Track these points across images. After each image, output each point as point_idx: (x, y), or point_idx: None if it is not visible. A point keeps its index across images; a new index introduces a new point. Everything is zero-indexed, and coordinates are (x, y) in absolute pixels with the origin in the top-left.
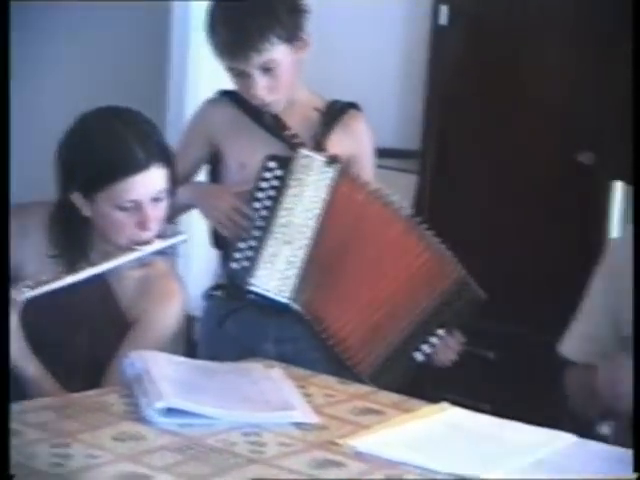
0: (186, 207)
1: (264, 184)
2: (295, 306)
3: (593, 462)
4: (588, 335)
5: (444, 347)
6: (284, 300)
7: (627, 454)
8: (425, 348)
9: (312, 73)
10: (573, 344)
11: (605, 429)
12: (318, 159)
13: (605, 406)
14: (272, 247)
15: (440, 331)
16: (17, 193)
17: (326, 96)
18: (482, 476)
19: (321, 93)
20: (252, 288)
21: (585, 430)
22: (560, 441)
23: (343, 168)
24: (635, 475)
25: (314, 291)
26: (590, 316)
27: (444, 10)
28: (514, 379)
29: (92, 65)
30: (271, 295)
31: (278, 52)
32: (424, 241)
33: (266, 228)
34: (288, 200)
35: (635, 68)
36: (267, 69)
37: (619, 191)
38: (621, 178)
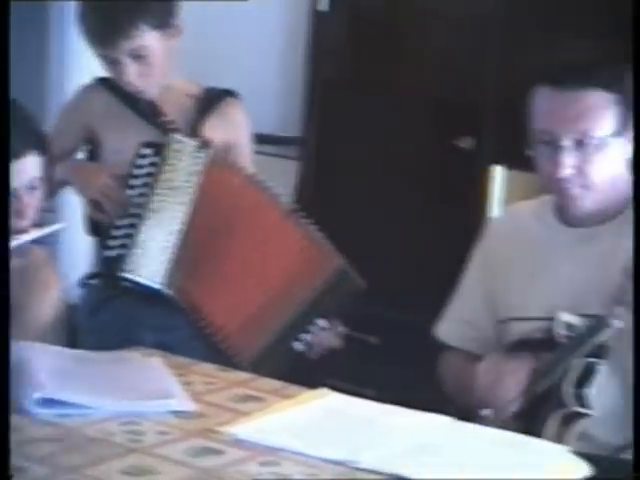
0: (62, 183)
1: (138, 171)
2: (169, 293)
3: (471, 444)
4: (463, 318)
5: (324, 336)
6: (157, 286)
7: (505, 436)
8: (305, 338)
9: (190, 59)
10: (448, 327)
11: (485, 413)
12: (190, 144)
13: (481, 396)
14: (144, 233)
15: (320, 321)
16: None
17: (204, 83)
18: (354, 459)
19: (199, 79)
20: (125, 275)
21: (464, 413)
22: (438, 424)
23: (216, 153)
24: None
25: (188, 278)
26: (466, 299)
27: None
28: (397, 363)
29: None
30: (144, 282)
31: (148, 39)
32: (301, 230)
33: (139, 214)
34: (161, 185)
35: (635, 68)
36: (137, 56)
37: (498, 175)
38: (500, 162)
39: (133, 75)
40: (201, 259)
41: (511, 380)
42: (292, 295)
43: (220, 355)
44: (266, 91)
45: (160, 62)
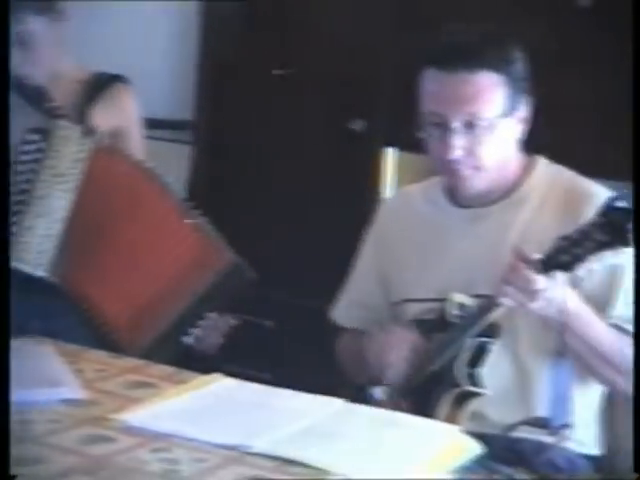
0: None
1: (24, 157)
2: (54, 280)
3: (362, 425)
4: (357, 301)
5: (214, 330)
6: (41, 274)
7: (397, 417)
8: (195, 332)
9: (80, 44)
10: (343, 310)
11: (378, 393)
12: (75, 130)
13: (373, 373)
14: (29, 220)
15: (211, 315)
16: None
17: (94, 67)
18: (247, 444)
19: (89, 64)
20: (13, 264)
21: (358, 395)
22: (330, 407)
23: (102, 140)
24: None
25: (75, 266)
26: (360, 281)
27: None
28: (293, 347)
29: None
30: (27, 269)
31: (32, 24)
32: (192, 221)
33: (24, 201)
34: (46, 172)
35: (635, 69)
36: (21, 41)
37: (390, 157)
38: (392, 144)
39: (18, 61)
40: (87, 248)
41: (400, 347)
42: (182, 288)
43: (109, 345)
44: (157, 75)
45: (46, 48)
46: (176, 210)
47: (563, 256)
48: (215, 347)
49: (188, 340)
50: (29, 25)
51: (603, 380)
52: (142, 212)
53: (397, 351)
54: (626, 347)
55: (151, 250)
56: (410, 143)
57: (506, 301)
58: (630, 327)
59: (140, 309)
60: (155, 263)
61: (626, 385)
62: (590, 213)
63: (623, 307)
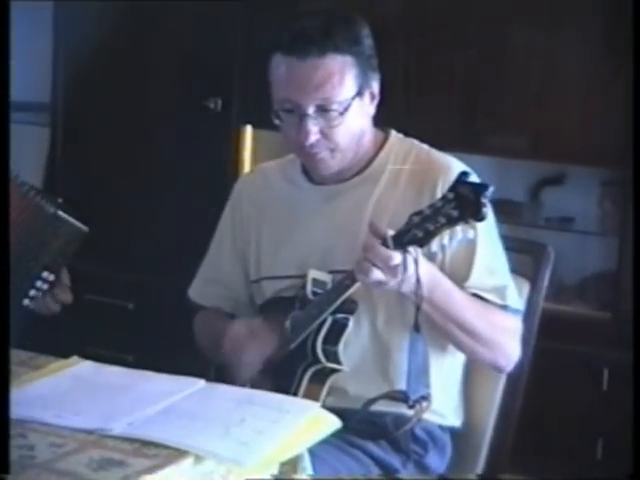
0: None
1: None
2: None
3: (223, 403)
4: (214, 278)
5: (54, 290)
6: None
7: (258, 395)
8: (33, 293)
9: None
10: (199, 288)
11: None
12: None
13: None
14: None
15: (45, 274)
16: None
17: None
18: (106, 427)
19: None
20: None
21: (219, 374)
22: (191, 387)
23: None
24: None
25: None
26: (216, 259)
27: None
28: (155, 328)
29: None
30: None
31: None
32: (18, 191)
33: None
34: None
35: (635, 71)
36: None
37: (249, 134)
38: (250, 122)
39: None
40: None
41: (255, 348)
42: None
43: None
44: (19, 57)
45: None
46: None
47: (416, 231)
48: (55, 309)
49: (29, 303)
50: None
51: (464, 349)
52: None
53: (249, 349)
54: (486, 315)
55: None
56: (267, 120)
57: (362, 278)
58: (489, 295)
59: None
60: None
61: (486, 354)
62: (444, 184)
63: (479, 275)
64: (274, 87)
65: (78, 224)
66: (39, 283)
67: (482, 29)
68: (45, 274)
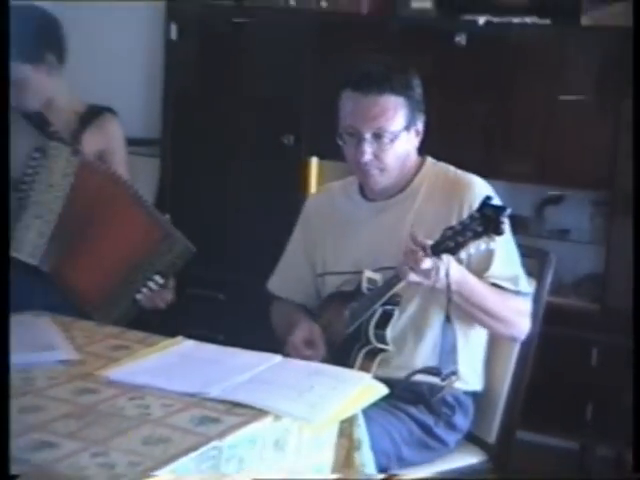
0: None
1: (29, 170)
2: (43, 268)
3: (294, 374)
4: (288, 275)
5: (159, 290)
6: (34, 263)
7: (323, 367)
8: (144, 291)
9: (80, 78)
10: (277, 282)
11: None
12: (66, 150)
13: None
14: (25, 221)
15: (156, 277)
16: None
17: (89, 98)
18: (205, 391)
19: (86, 95)
20: (12, 254)
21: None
22: (270, 361)
23: (86, 158)
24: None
25: (61, 256)
26: (290, 259)
27: (173, 27)
28: (241, 314)
29: None
30: (23, 259)
31: (20, 69)
32: (144, 210)
33: (24, 204)
34: (42, 182)
35: (635, 68)
36: (15, 83)
37: (314, 164)
38: (315, 154)
39: (13, 98)
40: (71, 241)
41: (310, 352)
42: (131, 258)
43: (82, 312)
44: (133, 102)
45: (34, 86)
46: (134, 204)
47: (449, 242)
48: (162, 305)
49: (140, 297)
50: (15, 71)
51: (486, 326)
52: (109, 212)
53: (304, 355)
54: (502, 300)
55: (115, 238)
56: (328, 153)
57: (406, 278)
58: (505, 283)
59: (105, 279)
60: (116, 247)
61: (503, 329)
62: (469, 198)
63: (497, 268)
64: (341, 115)
65: (189, 244)
66: (151, 284)
67: (496, 81)
68: (157, 277)
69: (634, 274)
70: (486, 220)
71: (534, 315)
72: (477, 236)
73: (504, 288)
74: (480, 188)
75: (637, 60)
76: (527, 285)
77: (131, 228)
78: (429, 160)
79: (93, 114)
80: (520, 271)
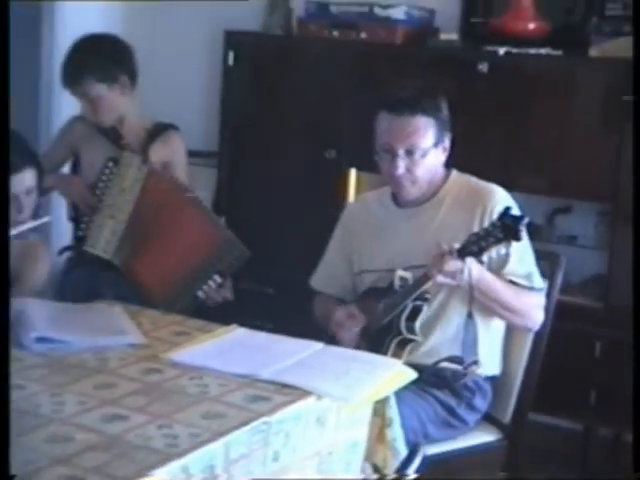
0: (50, 189)
1: (104, 177)
2: (115, 262)
3: (335, 360)
4: (329, 272)
5: (218, 290)
6: (108, 257)
7: (359, 354)
8: (205, 289)
9: (148, 98)
10: (318, 279)
11: None
12: (136, 159)
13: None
14: (99, 220)
15: (215, 276)
16: None
17: (156, 115)
18: (256, 373)
19: (152, 110)
20: (88, 249)
21: (332, 341)
22: (313, 348)
23: (152, 167)
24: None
25: (130, 252)
26: (330, 258)
27: (231, 54)
28: (288, 306)
29: None
30: (99, 254)
31: (95, 88)
32: (206, 216)
33: (100, 206)
34: (115, 187)
35: (635, 70)
36: (89, 99)
37: (353, 176)
38: (354, 167)
39: (87, 112)
40: (141, 239)
41: (351, 325)
42: (195, 260)
43: (148, 303)
44: (195, 119)
45: (107, 104)
46: (196, 210)
47: (473, 247)
48: (220, 301)
49: (201, 294)
50: (91, 89)
51: (503, 319)
52: (174, 214)
53: (348, 327)
54: (517, 295)
55: (178, 238)
56: (365, 165)
57: (433, 277)
58: (520, 280)
59: (169, 276)
60: (180, 246)
61: (519, 321)
62: (491, 205)
63: (513, 265)
64: (378, 133)
65: (244, 249)
66: (211, 282)
67: (514, 104)
68: (216, 277)
69: (633, 276)
70: (506, 228)
71: (547, 309)
72: (498, 242)
73: (519, 284)
74: (500, 196)
75: (637, 88)
76: (540, 281)
77: (194, 232)
78: (454, 172)
79: (159, 129)
80: (534, 269)
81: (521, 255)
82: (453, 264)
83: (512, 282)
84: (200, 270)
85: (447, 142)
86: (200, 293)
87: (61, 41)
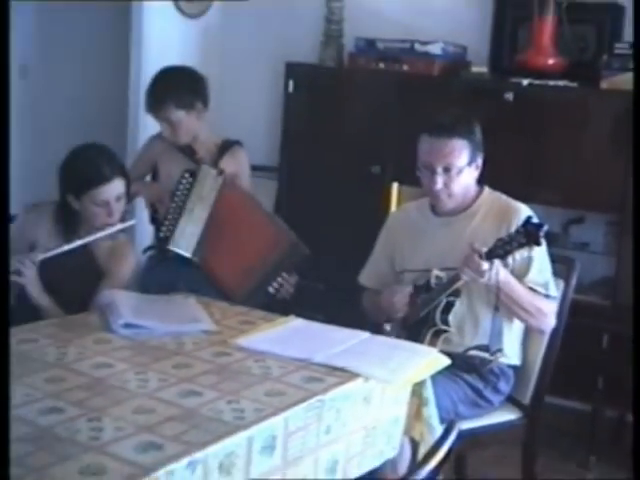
0: (135, 195)
1: (181, 187)
2: (195, 259)
3: (379, 347)
4: (374, 269)
5: (286, 285)
6: (188, 255)
7: (400, 343)
8: (275, 285)
9: (218, 120)
10: (365, 275)
11: (388, 329)
12: (212, 172)
13: (384, 315)
14: (182, 224)
15: (283, 274)
16: (37, 195)
17: (226, 133)
18: (311, 357)
19: (221, 132)
20: (172, 248)
21: (377, 331)
22: (360, 336)
23: (226, 178)
24: None
25: (208, 251)
26: (375, 259)
27: (291, 82)
28: (338, 300)
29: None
30: (181, 252)
31: (175, 114)
32: (272, 221)
33: (179, 213)
34: (194, 196)
35: (635, 73)
36: (169, 121)
37: (395, 188)
38: (396, 181)
39: (167, 132)
40: (215, 240)
41: (399, 300)
42: (266, 260)
43: (224, 296)
44: (259, 137)
45: (185, 127)
46: (264, 216)
47: (499, 250)
48: (287, 296)
49: (271, 290)
50: (172, 114)
51: (522, 320)
52: (245, 219)
53: (397, 303)
54: (535, 300)
55: (249, 239)
56: (406, 180)
57: (465, 277)
58: (539, 288)
59: (242, 274)
60: (251, 247)
61: (534, 323)
62: (517, 221)
63: (534, 275)
64: (419, 153)
65: (306, 249)
66: (279, 279)
67: (535, 128)
68: (284, 274)
69: (633, 281)
70: (528, 234)
71: (562, 306)
72: (521, 246)
73: (537, 291)
74: (524, 213)
75: (637, 117)
76: (555, 290)
77: (264, 235)
78: (487, 189)
79: (227, 145)
80: (551, 279)
81: (540, 267)
82: (482, 264)
83: (531, 289)
84: (271, 269)
85: (479, 161)
86: (271, 289)
87: (145, 69)
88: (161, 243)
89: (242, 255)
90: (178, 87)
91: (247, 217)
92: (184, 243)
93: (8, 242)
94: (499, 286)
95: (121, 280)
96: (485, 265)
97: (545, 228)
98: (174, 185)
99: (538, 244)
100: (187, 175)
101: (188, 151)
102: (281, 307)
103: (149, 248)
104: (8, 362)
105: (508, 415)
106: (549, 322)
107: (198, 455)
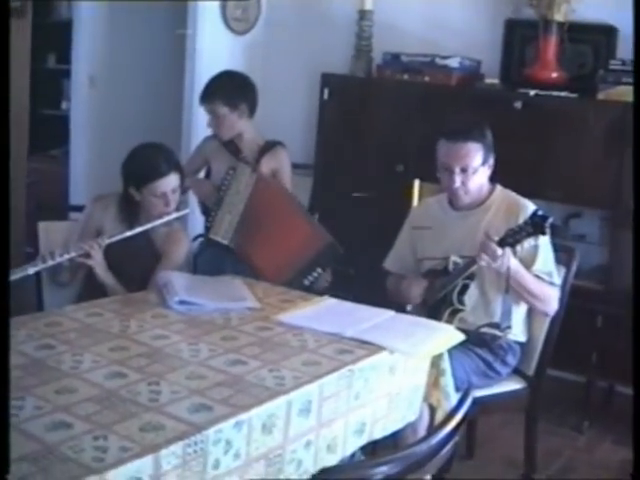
0: (188, 188)
1: (225, 182)
2: (232, 247)
3: (402, 324)
4: (397, 256)
5: (320, 279)
6: (225, 243)
7: (421, 320)
8: (310, 278)
9: (262, 123)
10: (390, 261)
11: (409, 308)
12: (248, 169)
13: (405, 298)
14: (222, 214)
15: (318, 269)
16: (105, 186)
17: (269, 134)
18: (343, 332)
19: (265, 134)
20: (211, 236)
21: (400, 309)
22: (386, 314)
23: (261, 175)
24: None
25: (243, 240)
26: (399, 246)
27: (326, 91)
28: (366, 282)
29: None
30: (220, 240)
31: (221, 109)
32: (307, 219)
33: (220, 204)
34: (233, 189)
35: (636, 73)
36: (216, 115)
37: (417, 185)
38: (418, 178)
39: (211, 124)
40: (251, 230)
41: (418, 287)
42: (303, 255)
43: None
44: (297, 138)
45: (228, 122)
46: (300, 213)
47: (509, 239)
48: (322, 288)
49: (306, 283)
50: (217, 110)
51: (530, 304)
52: (281, 213)
53: (413, 292)
54: (541, 287)
55: (285, 235)
56: (427, 177)
57: (480, 261)
58: (544, 275)
59: (280, 265)
60: (287, 241)
61: (540, 306)
62: (523, 215)
63: (540, 264)
64: (438, 155)
65: (340, 248)
66: (314, 273)
67: (540, 133)
68: (319, 269)
69: (633, 269)
70: (535, 224)
71: (563, 290)
72: (528, 235)
73: (542, 279)
74: (530, 208)
75: (637, 123)
76: (558, 279)
77: (301, 234)
78: (498, 187)
79: (270, 145)
80: (554, 268)
81: (545, 257)
82: (497, 250)
83: (538, 277)
84: (307, 265)
85: (492, 161)
86: (306, 281)
87: (198, 79)
88: (207, 231)
89: (278, 250)
90: (228, 87)
91: (283, 213)
92: (222, 232)
93: (8, 242)
94: (509, 273)
95: (176, 262)
96: (499, 251)
97: (550, 220)
98: (220, 180)
99: (544, 234)
100: (230, 172)
101: (234, 150)
102: (318, 289)
103: (198, 236)
104: (8, 362)
105: (514, 385)
106: (553, 306)
107: (243, 416)
